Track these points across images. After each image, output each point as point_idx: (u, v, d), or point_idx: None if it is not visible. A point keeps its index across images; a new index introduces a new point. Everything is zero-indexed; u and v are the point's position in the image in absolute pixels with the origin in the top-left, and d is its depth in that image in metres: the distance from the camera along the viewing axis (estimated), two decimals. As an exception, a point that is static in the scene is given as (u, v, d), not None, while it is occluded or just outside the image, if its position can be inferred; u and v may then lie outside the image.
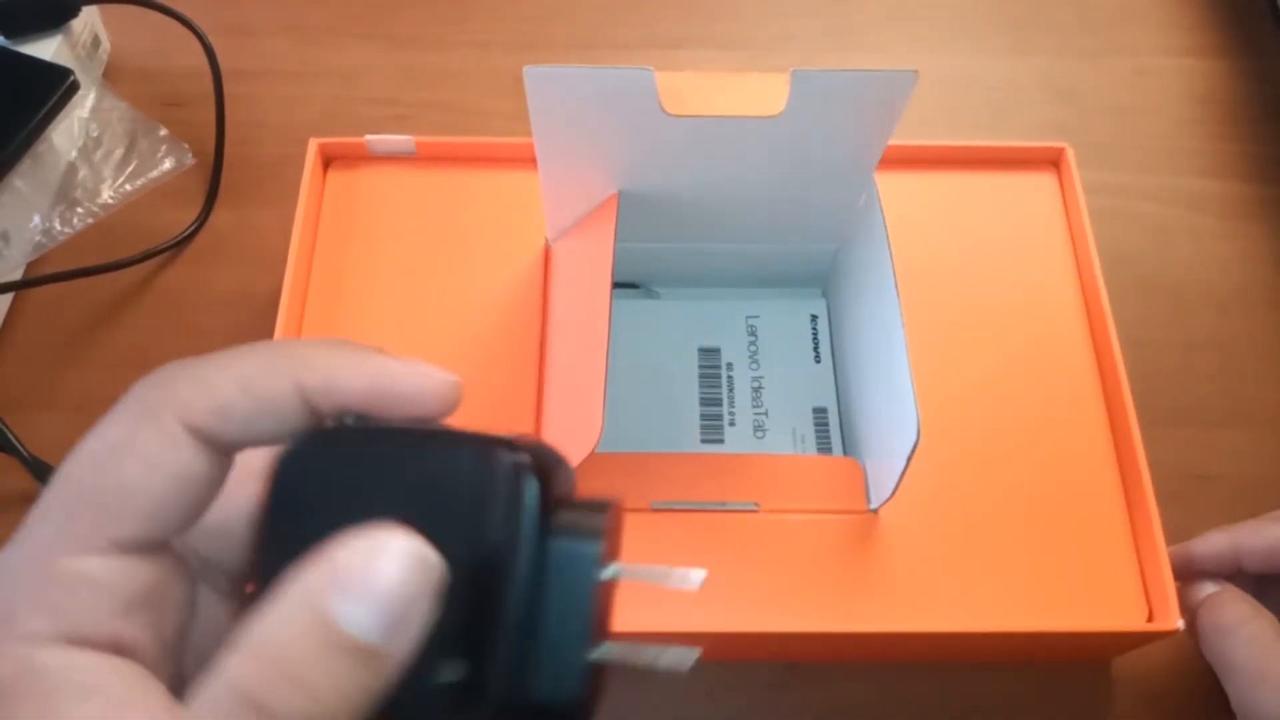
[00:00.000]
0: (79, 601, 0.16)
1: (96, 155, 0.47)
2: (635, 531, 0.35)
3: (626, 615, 0.33)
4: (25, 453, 0.38)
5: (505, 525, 0.16)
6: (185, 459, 0.17)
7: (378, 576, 0.15)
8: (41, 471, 0.37)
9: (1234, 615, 0.33)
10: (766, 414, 0.40)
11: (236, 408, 0.17)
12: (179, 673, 0.18)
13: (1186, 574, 0.34)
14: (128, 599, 0.17)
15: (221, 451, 0.18)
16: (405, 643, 0.16)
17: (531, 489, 0.17)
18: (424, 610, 0.16)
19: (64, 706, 0.15)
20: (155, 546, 0.17)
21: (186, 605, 0.19)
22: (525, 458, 0.17)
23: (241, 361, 0.18)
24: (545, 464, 0.18)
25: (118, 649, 0.16)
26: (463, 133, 0.50)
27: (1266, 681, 0.31)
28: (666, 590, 0.34)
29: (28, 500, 0.40)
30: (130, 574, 0.17)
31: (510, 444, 0.17)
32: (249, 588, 0.19)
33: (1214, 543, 0.35)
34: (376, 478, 0.17)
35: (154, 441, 0.17)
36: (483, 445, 0.17)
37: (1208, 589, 0.34)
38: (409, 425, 0.18)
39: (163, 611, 0.18)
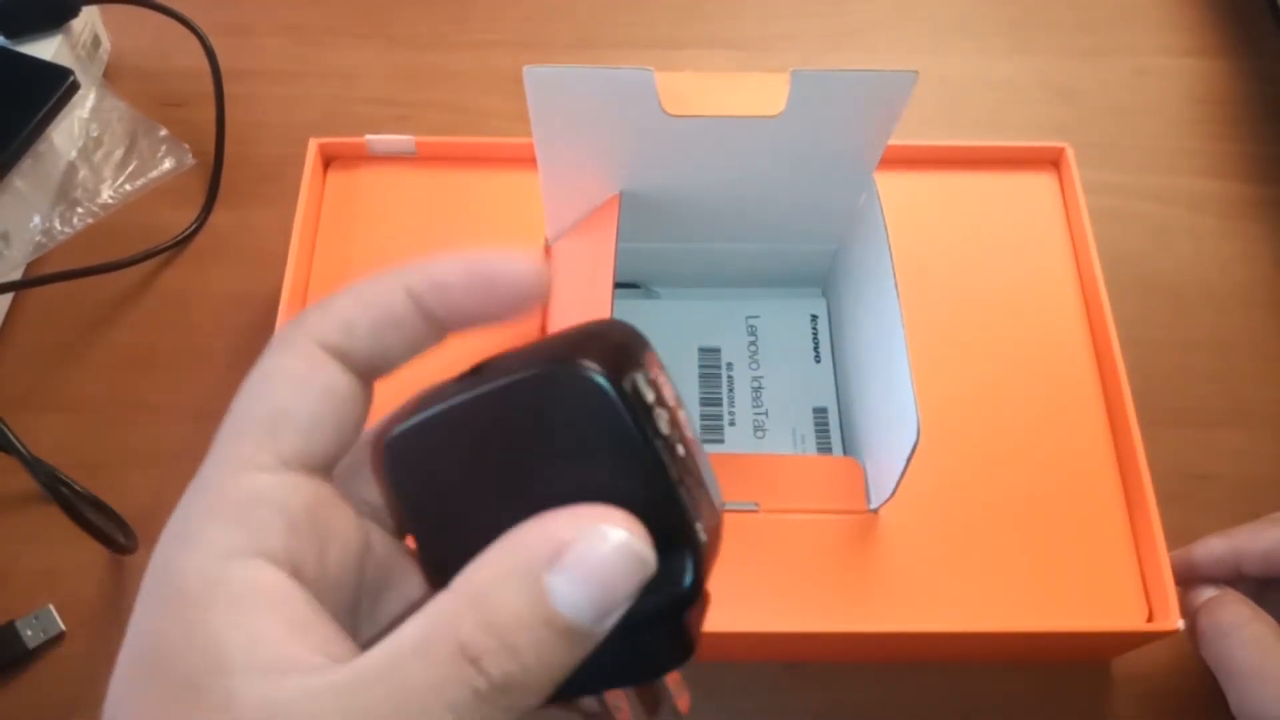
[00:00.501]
0: (253, 517, 0.17)
1: (96, 155, 0.47)
2: (635, 531, 0.35)
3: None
4: (26, 453, 0.38)
5: (627, 439, 0.17)
6: (327, 376, 0.18)
7: (600, 564, 0.16)
8: (41, 471, 0.37)
9: (1233, 618, 0.33)
10: (766, 414, 0.40)
11: (358, 321, 0.19)
12: (350, 606, 0.19)
13: (1186, 579, 0.34)
14: (294, 516, 0.17)
15: (360, 371, 0.19)
16: (609, 626, 0.16)
17: (621, 392, 0.17)
18: (630, 599, 0.16)
19: (253, 614, 0.16)
20: (316, 465, 0.18)
21: (351, 541, 0.19)
22: (597, 361, 0.17)
23: (359, 283, 0.19)
24: (621, 347, 0.18)
25: (291, 569, 0.17)
26: (463, 133, 0.50)
27: (1265, 684, 0.31)
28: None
29: (28, 500, 0.40)
30: (295, 490, 0.18)
31: (583, 345, 0.17)
32: (408, 540, 0.19)
33: (1213, 548, 0.35)
34: (491, 432, 0.17)
35: (297, 364, 0.18)
36: (566, 366, 0.17)
37: (1207, 593, 0.34)
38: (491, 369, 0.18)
39: (326, 539, 0.18)
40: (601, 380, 0.17)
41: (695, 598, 0.17)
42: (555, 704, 0.17)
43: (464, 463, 0.17)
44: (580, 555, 0.16)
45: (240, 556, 0.17)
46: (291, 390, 0.18)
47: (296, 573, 0.17)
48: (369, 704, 0.15)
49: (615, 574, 0.16)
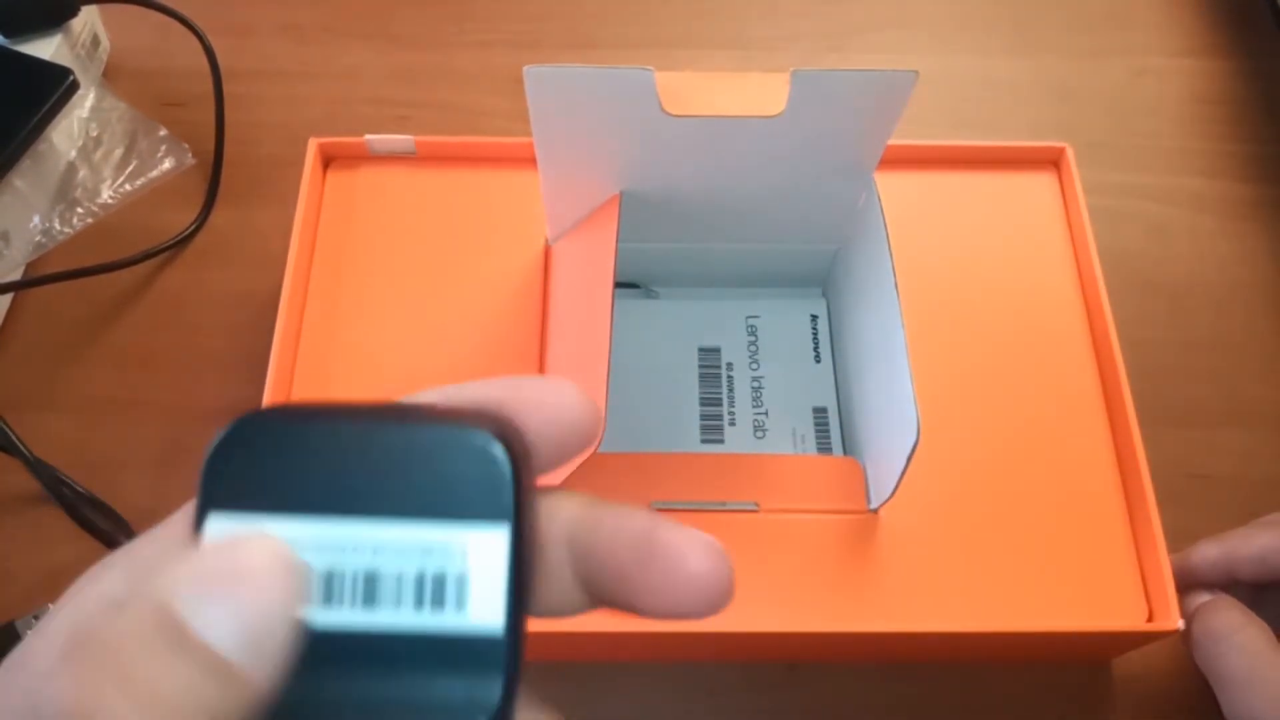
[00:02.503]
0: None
1: (96, 155, 0.47)
2: (635, 531, 0.35)
3: (629, 616, 0.33)
4: (27, 453, 0.38)
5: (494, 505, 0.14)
6: None
7: (243, 579, 0.13)
8: (42, 472, 0.37)
9: (1225, 623, 0.33)
10: (766, 414, 0.40)
11: None
12: None
13: (1181, 584, 0.34)
14: None
15: None
16: (268, 667, 0.13)
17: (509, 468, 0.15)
18: (290, 631, 0.13)
19: None
20: None
21: None
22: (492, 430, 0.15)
23: None
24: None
25: None
26: (463, 133, 0.50)
27: (1257, 689, 0.31)
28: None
29: (28, 500, 0.40)
30: None
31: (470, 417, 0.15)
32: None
33: (1206, 553, 0.35)
34: (336, 459, 0.14)
35: None
36: (453, 418, 0.15)
37: (1201, 598, 0.34)
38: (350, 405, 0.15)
39: None
40: (502, 442, 0.14)
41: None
42: None
43: (296, 476, 0.14)
44: (220, 570, 0.13)
45: None
46: None
47: None
48: None
49: (263, 590, 0.13)
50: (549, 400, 0.16)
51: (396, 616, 0.14)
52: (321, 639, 0.14)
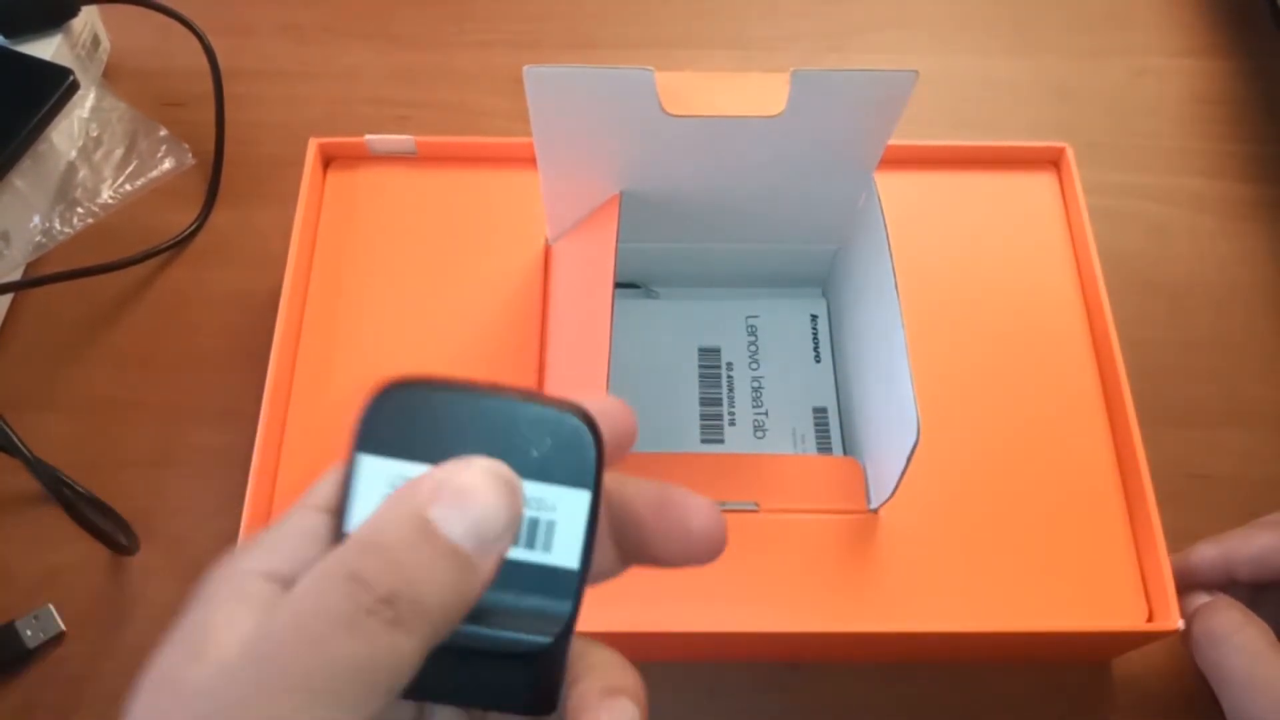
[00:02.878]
0: (283, 544, 0.18)
1: (96, 155, 0.47)
2: (635, 531, 0.35)
3: (629, 617, 0.33)
4: (28, 454, 0.38)
5: (583, 473, 0.18)
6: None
7: (475, 493, 0.17)
8: (43, 472, 0.37)
9: (1225, 624, 0.33)
10: (766, 414, 0.40)
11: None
12: None
13: (1180, 585, 0.34)
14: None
15: None
16: (491, 559, 0.17)
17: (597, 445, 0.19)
18: (509, 533, 0.17)
19: (215, 612, 0.17)
20: None
21: None
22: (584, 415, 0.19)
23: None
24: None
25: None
26: (463, 133, 0.50)
27: (1257, 689, 0.31)
28: (668, 593, 0.34)
29: (28, 500, 0.40)
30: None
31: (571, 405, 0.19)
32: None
33: (1205, 554, 0.35)
34: (463, 423, 0.18)
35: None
36: (555, 402, 0.19)
37: (1201, 599, 0.34)
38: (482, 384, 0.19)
39: None
40: (590, 429, 0.19)
41: (549, 652, 0.18)
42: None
43: (431, 432, 0.18)
44: (453, 483, 0.17)
45: (259, 577, 0.18)
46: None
47: None
48: (270, 647, 0.16)
49: (486, 496, 0.17)
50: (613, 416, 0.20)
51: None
52: None
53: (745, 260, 0.42)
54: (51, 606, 0.38)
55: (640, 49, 0.54)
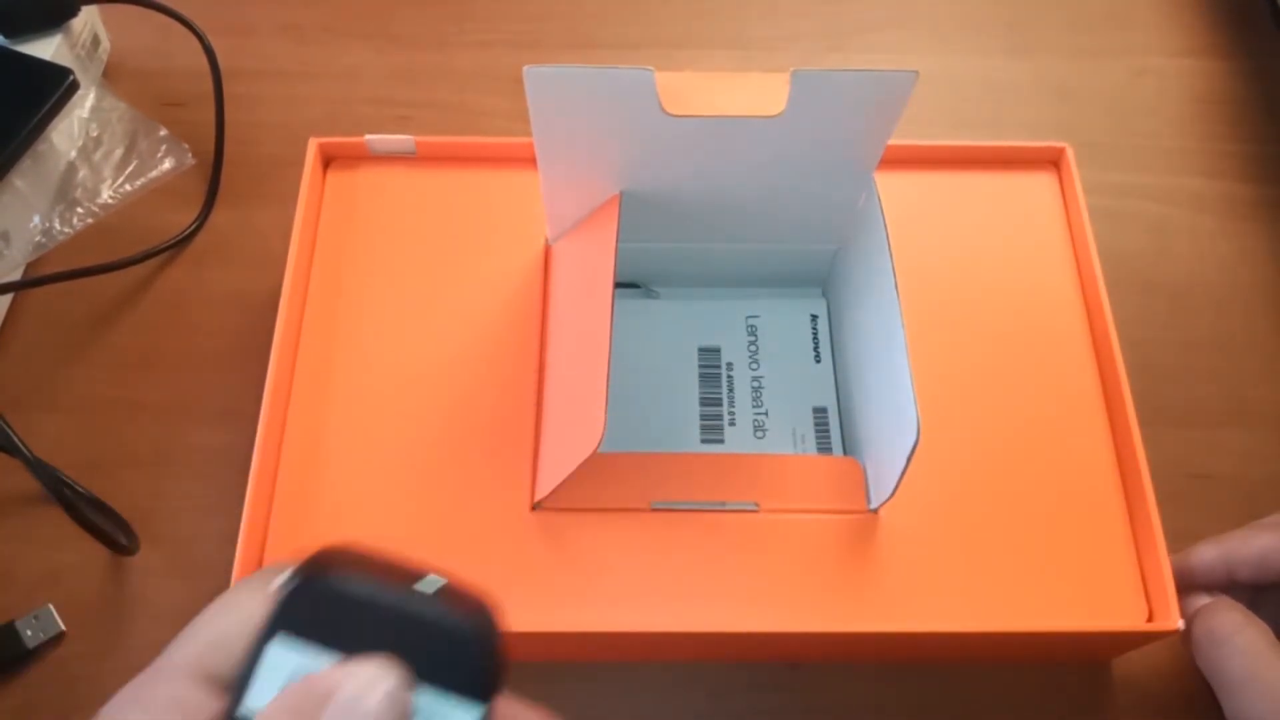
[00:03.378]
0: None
1: (96, 155, 0.47)
2: (635, 532, 0.35)
3: (629, 618, 0.33)
4: (29, 454, 0.38)
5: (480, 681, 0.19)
6: None
7: (362, 706, 0.17)
8: (43, 472, 0.37)
9: (1225, 625, 0.33)
10: (766, 414, 0.40)
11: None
12: None
13: (1181, 587, 0.34)
14: None
15: None
16: None
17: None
18: None
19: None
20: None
21: None
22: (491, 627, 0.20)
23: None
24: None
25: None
26: (463, 133, 0.50)
27: (1258, 691, 0.31)
28: (669, 593, 0.34)
29: (28, 500, 0.40)
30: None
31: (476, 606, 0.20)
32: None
33: (1205, 555, 0.35)
34: (372, 617, 0.19)
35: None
36: (464, 609, 0.20)
37: (1201, 601, 0.34)
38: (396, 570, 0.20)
39: None
40: (491, 640, 0.19)
41: None
42: None
43: (341, 622, 0.19)
44: (345, 693, 0.18)
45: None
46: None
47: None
48: None
49: (372, 707, 0.17)
50: None
51: None
52: None
53: (745, 260, 0.42)
54: (51, 606, 0.38)
55: (640, 49, 0.54)
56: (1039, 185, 0.43)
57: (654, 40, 0.54)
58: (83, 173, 0.47)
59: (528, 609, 0.34)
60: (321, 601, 0.19)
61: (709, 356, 0.42)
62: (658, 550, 0.35)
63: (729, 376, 0.41)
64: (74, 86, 0.44)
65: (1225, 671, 0.32)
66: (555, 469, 0.34)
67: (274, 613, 0.19)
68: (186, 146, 0.48)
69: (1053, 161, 0.44)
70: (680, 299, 0.43)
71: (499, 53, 0.53)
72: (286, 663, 0.18)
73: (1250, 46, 0.55)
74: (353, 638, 0.19)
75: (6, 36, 0.46)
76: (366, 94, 0.52)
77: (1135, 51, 0.54)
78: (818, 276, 0.43)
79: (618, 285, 0.42)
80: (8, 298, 0.44)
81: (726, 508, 0.36)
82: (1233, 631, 0.32)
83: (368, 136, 0.42)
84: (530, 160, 0.36)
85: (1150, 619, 0.34)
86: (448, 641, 0.19)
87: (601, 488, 0.35)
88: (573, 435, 0.33)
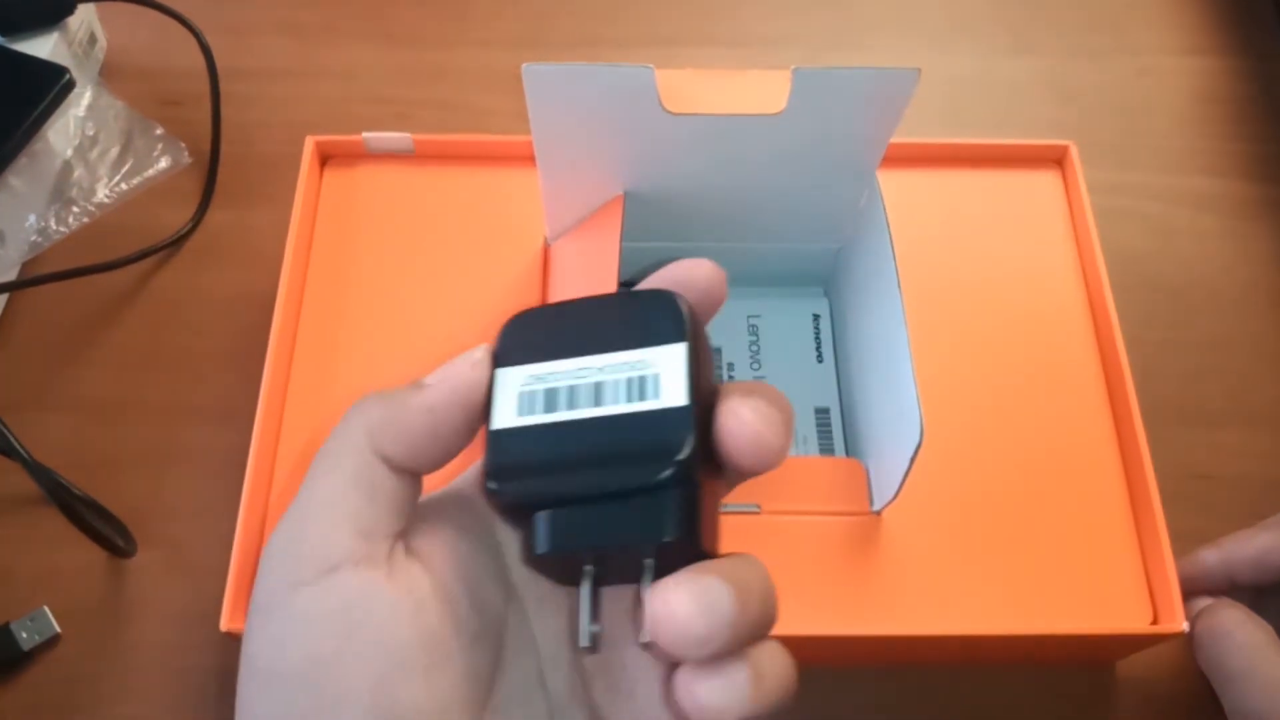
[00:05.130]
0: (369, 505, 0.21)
1: (92, 154, 0.47)
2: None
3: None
4: (28, 457, 0.37)
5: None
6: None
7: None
8: (42, 476, 0.37)
9: (1226, 623, 0.33)
10: (768, 414, 0.40)
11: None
12: None
13: (1183, 591, 0.34)
14: (399, 507, 0.21)
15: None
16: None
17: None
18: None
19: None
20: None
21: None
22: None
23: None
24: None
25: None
26: (462, 131, 0.50)
27: (1258, 687, 0.31)
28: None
29: (24, 502, 0.40)
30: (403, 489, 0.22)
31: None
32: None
33: (1205, 559, 0.35)
34: (571, 324, 0.22)
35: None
36: (645, 295, 0.22)
37: (1202, 603, 0.34)
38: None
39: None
40: (674, 295, 0.22)
41: (676, 481, 0.20)
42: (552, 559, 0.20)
43: (548, 338, 0.22)
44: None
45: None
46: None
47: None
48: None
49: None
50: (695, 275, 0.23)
51: (618, 408, 0.20)
52: (570, 425, 0.20)
53: (747, 259, 0.41)
54: (47, 608, 0.38)
55: (640, 47, 0.54)
56: (1043, 184, 0.43)
57: (654, 38, 0.54)
58: (79, 172, 0.47)
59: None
60: (527, 331, 0.22)
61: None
62: (658, 552, 0.34)
63: (730, 376, 0.41)
64: (70, 85, 0.44)
65: (1224, 666, 0.32)
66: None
67: (494, 350, 0.22)
68: (183, 145, 0.48)
69: (1057, 160, 0.43)
70: (681, 299, 0.43)
71: (499, 51, 0.53)
72: (513, 380, 0.21)
73: (1253, 45, 0.54)
74: (560, 342, 0.22)
75: (3, 34, 0.46)
76: (365, 93, 0.51)
77: (1138, 51, 0.54)
78: (820, 276, 0.43)
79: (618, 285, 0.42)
80: (3, 298, 0.44)
81: (728, 509, 0.35)
82: (1232, 627, 0.32)
83: (365, 134, 0.42)
84: (529, 159, 0.36)
85: (1155, 621, 0.34)
86: (637, 312, 0.22)
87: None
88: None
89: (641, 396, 0.20)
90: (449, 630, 0.20)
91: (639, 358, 0.21)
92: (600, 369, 0.21)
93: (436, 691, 0.20)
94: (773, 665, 0.20)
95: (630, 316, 0.22)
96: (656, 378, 0.20)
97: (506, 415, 0.21)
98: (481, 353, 0.22)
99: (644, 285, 0.23)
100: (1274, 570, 0.34)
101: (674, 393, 0.20)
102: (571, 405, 0.21)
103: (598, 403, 0.20)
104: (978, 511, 0.36)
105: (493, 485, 0.20)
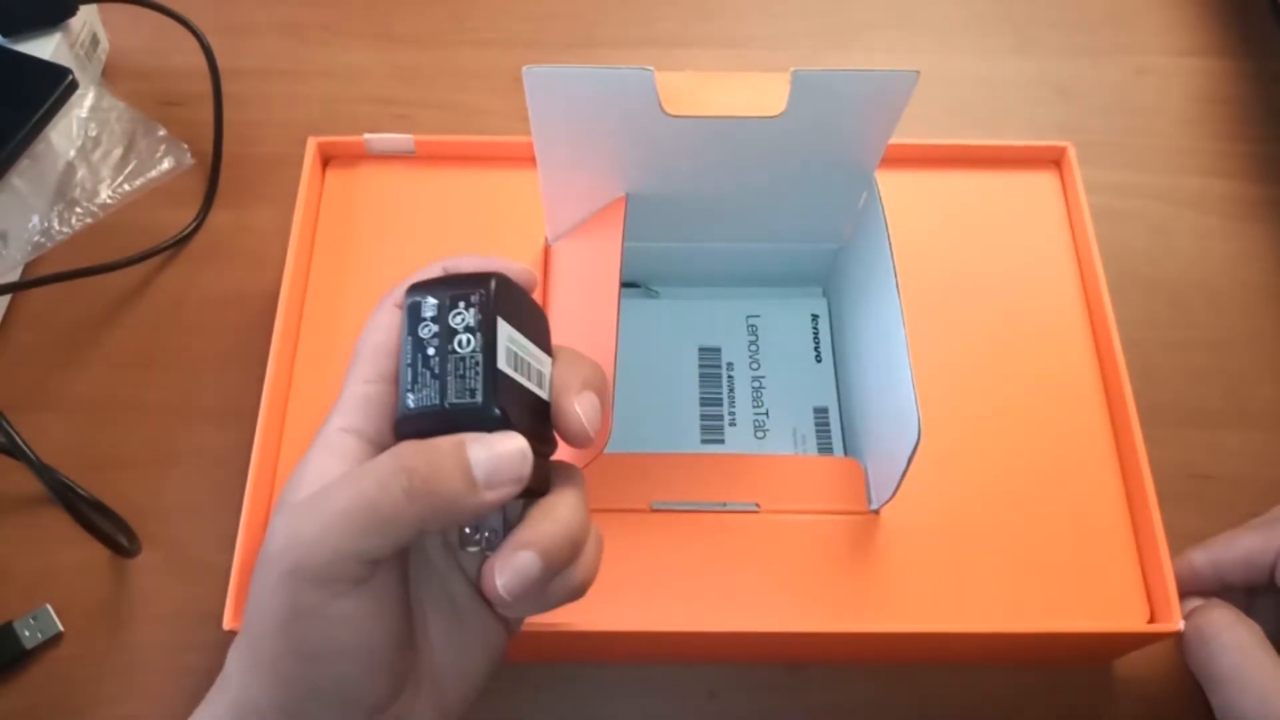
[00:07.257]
0: (352, 410, 0.27)
1: (95, 155, 0.47)
2: (636, 532, 0.35)
3: (630, 617, 0.33)
4: (33, 458, 0.37)
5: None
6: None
7: (502, 445, 0.24)
8: (48, 476, 0.37)
9: (1214, 623, 0.33)
10: (767, 414, 0.40)
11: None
12: None
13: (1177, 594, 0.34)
14: (372, 408, 0.27)
15: None
16: (494, 494, 0.24)
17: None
18: (514, 486, 0.24)
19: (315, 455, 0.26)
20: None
21: None
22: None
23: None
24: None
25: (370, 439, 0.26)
26: (462, 132, 0.50)
27: (1245, 688, 0.31)
28: (669, 593, 0.34)
29: (27, 501, 0.40)
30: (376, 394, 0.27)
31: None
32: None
33: (1195, 561, 0.35)
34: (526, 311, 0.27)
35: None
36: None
37: (1193, 604, 0.34)
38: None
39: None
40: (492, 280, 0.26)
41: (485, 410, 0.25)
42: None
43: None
44: (494, 441, 0.24)
45: (340, 432, 0.26)
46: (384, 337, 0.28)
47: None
48: (329, 486, 0.24)
49: (510, 460, 0.24)
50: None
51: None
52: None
53: (746, 260, 0.41)
54: (49, 607, 0.38)
55: (640, 48, 0.54)
56: (1041, 184, 0.43)
57: (654, 40, 0.54)
58: (81, 172, 0.47)
59: (527, 610, 0.33)
60: (506, 297, 0.26)
61: (709, 356, 0.42)
62: (658, 550, 0.35)
63: (729, 376, 0.41)
64: (73, 86, 0.44)
65: (1213, 668, 0.32)
66: (555, 469, 0.34)
67: (496, 303, 0.25)
68: (185, 146, 0.48)
69: (1054, 161, 0.43)
70: (681, 299, 0.43)
71: (499, 52, 0.53)
72: (506, 332, 0.25)
73: (1251, 46, 0.54)
74: (524, 325, 0.26)
75: (5, 36, 0.46)
76: (366, 93, 0.52)
77: (1136, 51, 0.54)
78: (818, 276, 0.43)
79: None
80: (6, 298, 0.44)
81: (727, 508, 0.35)
82: (1221, 629, 0.32)
83: (367, 136, 0.42)
84: (530, 160, 0.36)
85: (1151, 620, 0.34)
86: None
87: (602, 488, 0.35)
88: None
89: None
90: None
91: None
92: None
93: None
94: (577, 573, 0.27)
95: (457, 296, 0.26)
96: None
97: (504, 361, 0.26)
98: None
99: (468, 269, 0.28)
100: (1263, 570, 0.34)
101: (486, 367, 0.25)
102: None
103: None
104: (975, 510, 0.36)
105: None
